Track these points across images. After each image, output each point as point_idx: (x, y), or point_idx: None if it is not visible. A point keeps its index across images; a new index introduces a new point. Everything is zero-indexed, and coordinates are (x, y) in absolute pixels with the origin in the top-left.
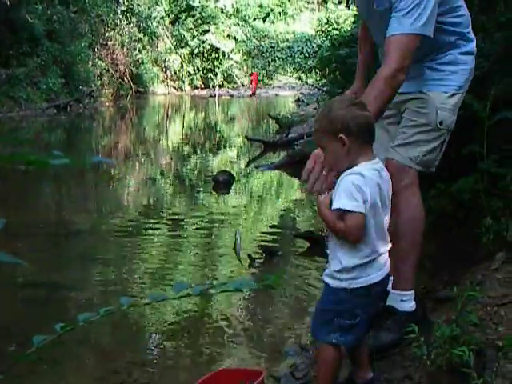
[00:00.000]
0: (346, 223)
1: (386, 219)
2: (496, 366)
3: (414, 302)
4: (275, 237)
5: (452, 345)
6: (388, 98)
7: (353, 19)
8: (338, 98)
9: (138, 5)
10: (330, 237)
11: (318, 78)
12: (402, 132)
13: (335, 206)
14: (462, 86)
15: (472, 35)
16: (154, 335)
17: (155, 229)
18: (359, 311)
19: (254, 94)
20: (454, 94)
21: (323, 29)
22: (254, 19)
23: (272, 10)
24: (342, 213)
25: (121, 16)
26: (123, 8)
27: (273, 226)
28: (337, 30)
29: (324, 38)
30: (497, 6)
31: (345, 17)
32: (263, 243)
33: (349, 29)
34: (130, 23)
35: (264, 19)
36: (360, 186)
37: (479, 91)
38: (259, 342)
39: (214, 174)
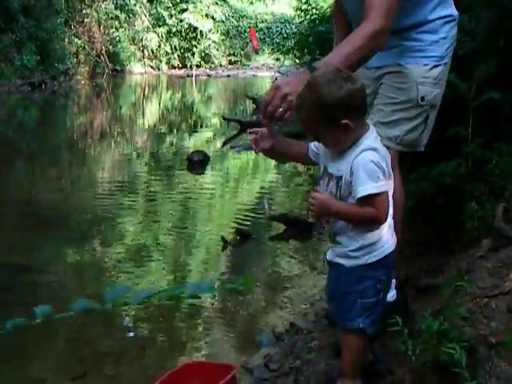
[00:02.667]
0: (377, 207)
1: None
2: (489, 365)
3: (394, 291)
4: (249, 219)
5: (440, 340)
6: (362, 59)
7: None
8: (320, 75)
9: None
10: (333, 220)
11: (296, 60)
12: (380, 110)
13: (364, 192)
14: (445, 56)
15: (451, 1)
16: (122, 323)
17: (129, 208)
18: (381, 286)
19: (257, 51)
20: (435, 66)
21: (302, 7)
22: None
23: None
24: (367, 198)
25: None
26: None
27: (247, 208)
28: (316, 9)
29: (303, 19)
30: None
31: None
32: (237, 225)
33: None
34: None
35: None
36: (379, 161)
37: (464, 71)
38: (232, 330)
39: (189, 153)
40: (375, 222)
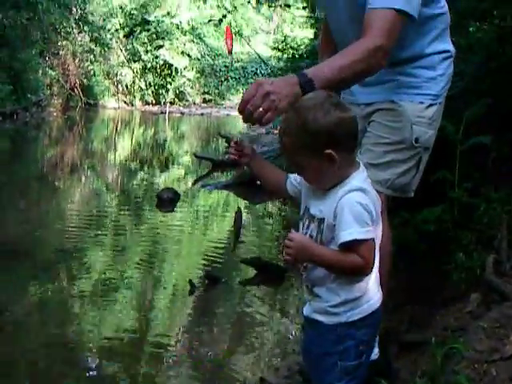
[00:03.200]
0: (363, 256)
1: None
2: None
3: (377, 349)
4: (219, 261)
5: None
6: (357, 76)
7: (308, 41)
8: (308, 98)
9: (92, 13)
10: (311, 267)
11: None
12: (369, 150)
13: (349, 237)
14: (440, 95)
15: (449, 36)
16: (85, 360)
17: (95, 244)
18: (364, 347)
19: (230, 52)
20: (430, 105)
21: (280, 47)
22: (209, 21)
23: (224, 16)
24: (351, 244)
25: (74, 25)
26: (76, 17)
27: (217, 250)
28: (293, 48)
29: (280, 57)
30: (469, 26)
31: (301, 37)
32: (206, 268)
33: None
34: (81, 31)
35: (220, 21)
36: (367, 204)
37: (452, 113)
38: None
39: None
40: (360, 273)
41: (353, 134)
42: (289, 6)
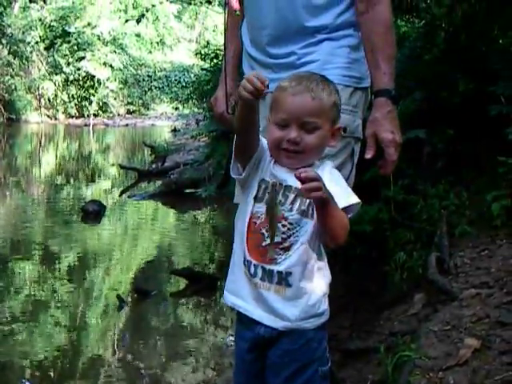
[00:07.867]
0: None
1: None
2: None
3: None
4: (149, 274)
5: None
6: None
7: None
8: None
9: (10, 26)
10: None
11: (196, 110)
12: None
13: (353, 200)
14: (364, 79)
15: None
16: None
17: (18, 261)
18: (327, 347)
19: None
20: (355, 90)
21: (202, 51)
22: (126, 21)
23: (146, 11)
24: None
25: None
26: None
27: (146, 262)
28: (216, 54)
29: (203, 63)
30: (396, 20)
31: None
32: (135, 281)
33: None
34: None
35: (138, 21)
36: None
37: None
38: None
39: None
40: (344, 238)
41: None
42: (210, 3)
